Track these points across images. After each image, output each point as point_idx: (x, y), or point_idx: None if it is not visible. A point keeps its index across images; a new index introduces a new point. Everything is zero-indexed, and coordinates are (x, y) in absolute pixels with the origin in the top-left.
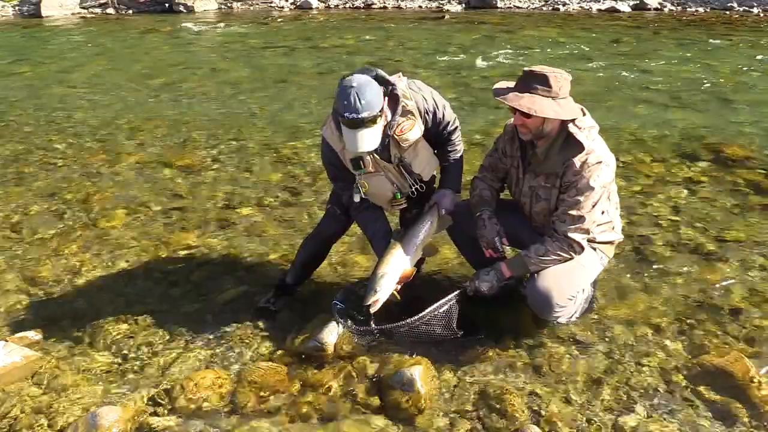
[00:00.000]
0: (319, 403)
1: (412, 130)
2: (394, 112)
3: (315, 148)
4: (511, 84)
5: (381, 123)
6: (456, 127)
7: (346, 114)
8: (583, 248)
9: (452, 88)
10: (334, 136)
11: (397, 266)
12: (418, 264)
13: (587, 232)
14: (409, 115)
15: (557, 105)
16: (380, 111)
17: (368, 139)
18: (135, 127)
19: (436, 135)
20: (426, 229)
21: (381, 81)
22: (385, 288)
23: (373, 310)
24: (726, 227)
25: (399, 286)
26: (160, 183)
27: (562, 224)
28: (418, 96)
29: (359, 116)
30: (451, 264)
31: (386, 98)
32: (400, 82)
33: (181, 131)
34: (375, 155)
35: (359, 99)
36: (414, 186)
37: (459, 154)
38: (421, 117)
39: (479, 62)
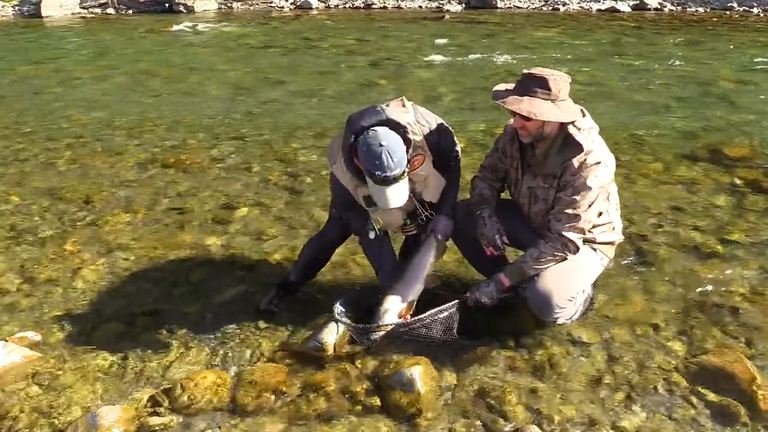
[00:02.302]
0: (319, 403)
1: (423, 164)
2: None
3: (315, 148)
4: (511, 86)
5: (407, 175)
6: (458, 157)
7: (378, 173)
8: (578, 248)
9: (452, 88)
10: (347, 176)
11: (400, 301)
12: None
13: (582, 231)
14: (419, 150)
15: (557, 108)
16: (407, 164)
17: (399, 194)
18: (135, 127)
19: (441, 164)
20: (426, 261)
21: (393, 126)
22: (388, 322)
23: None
24: (726, 227)
25: (402, 320)
26: (160, 183)
27: (558, 223)
28: (426, 129)
29: (392, 174)
30: (450, 265)
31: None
32: (408, 115)
33: (181, 131)
34: None
35: (391, 158)
36: (425, 213)
37: (456, 182)
38: (430, 150)
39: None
